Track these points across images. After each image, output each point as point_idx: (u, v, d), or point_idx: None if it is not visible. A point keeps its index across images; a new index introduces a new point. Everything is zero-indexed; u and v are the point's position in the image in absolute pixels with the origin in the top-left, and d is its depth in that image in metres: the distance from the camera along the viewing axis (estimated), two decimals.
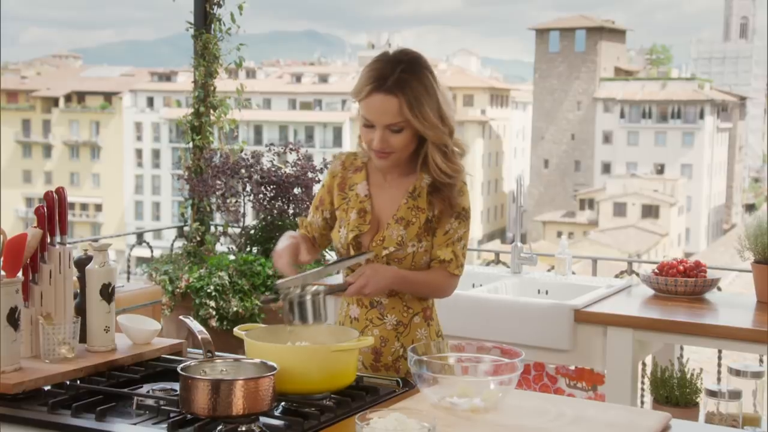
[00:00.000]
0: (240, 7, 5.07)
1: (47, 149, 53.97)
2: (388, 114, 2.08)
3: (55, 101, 53.90)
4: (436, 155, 2.14)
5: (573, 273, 3.76)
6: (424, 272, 2.20)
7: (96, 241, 2.10)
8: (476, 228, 48.01)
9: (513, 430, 1.70)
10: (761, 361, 3.67)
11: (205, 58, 5.02)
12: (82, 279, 2.14)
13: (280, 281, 2.03)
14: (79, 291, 2.17)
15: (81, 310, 2.11)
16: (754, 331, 2.93)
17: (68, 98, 53.91)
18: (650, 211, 44.21)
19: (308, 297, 2.00)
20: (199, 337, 1.93)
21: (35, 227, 2.04)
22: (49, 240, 2.07)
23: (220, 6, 5.07)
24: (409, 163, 2.20)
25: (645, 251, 37.49)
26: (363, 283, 2.08)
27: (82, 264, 2.14)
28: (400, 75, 2.07)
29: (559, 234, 41.97)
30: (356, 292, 2.09)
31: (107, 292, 2.10)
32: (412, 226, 2.18)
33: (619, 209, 44.58)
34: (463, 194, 2.20)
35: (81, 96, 53.64)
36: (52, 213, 2.07)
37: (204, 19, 5.05)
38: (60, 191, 2.10)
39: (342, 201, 2.26)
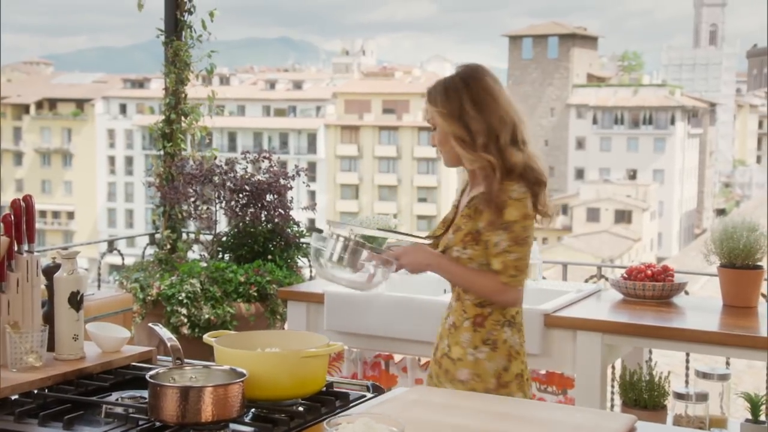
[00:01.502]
0: (211, 14, 5.05)
1: (18, 157, 53.41)
2: (425, 112, 2.46)
3: (26, 108, 53.36)
4: (456, 145, 2.35)
5: (543, 278, 3.79)
6: (472, 270, 2.36)
7: (66, 248, 2.08)
8: None
9: None
10: (728, 363, 3.71)
11: (176, 65, 5.01)
12: (50, 287, 2.13)
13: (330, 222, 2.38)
14: (47, 299, 2.16)
15: (49, 319, 2.10)
16: (720, 334, 2.97)
17: (39, 105, 53.39)
18: (623, 217, 44.58)
19: (350, 243, 2.28)
20: (168, 344, 1.93)
21: (2, 235, 2.03)
22: (16, 248, 2.06)
23: (190, 13, 5.05)
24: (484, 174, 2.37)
25: (618, 256, 37.79)
26: (399, 253, 2.37)
27: (50, 272, 2.13)
28: (435, 82, 2.44)
29: (534, 240, 42.06)
30: (392, 257, 2.34)
31: (76, 300, 2.09)
32: (459, 232, 2.38)
33: (593, 215, 44.92)
34: (509, 206, 2.30)
35: (52, 103, 53.15)
36: (20, 221, 2.06)
37: (175, 26, 5.03)
38: (27, 199, 2.09)
39: None
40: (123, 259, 5.18)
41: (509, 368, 2.39)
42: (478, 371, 2.37)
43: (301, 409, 1.86)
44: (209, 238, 4.99)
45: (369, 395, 2.01)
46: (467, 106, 2.34)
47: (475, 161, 2.33)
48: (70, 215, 52.52)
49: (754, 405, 3.00)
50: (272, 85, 53.28)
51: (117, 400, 1.91)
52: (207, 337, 2.00)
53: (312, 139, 50.17)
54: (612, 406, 3.86)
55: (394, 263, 2.37)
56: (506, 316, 2.41)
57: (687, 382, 3.87)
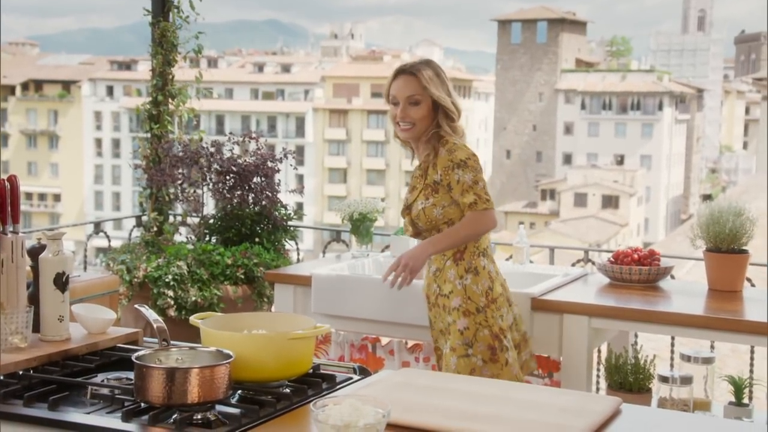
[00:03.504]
0: None
1: (4, 138, 52.99)
2: (408, 88, 2.82)
3: (11, 89, 52.90)
4: (443, 120, 2.82)
5: (531, 262, 3.80)
6: (452, 226, 2.80)
7: (51, 230, 2.08)
8: None
9: (468, 415, 1.72)
10: (712, 347, 3.74)
11: (163, 46, 4.96)
12: (35, 268, 2.12)
13: None
14: (32, 280, 2.15)
15: (34, 300, 2.09)
16: (705, 318, 2.99)
17: (25, 86, 52.96)
18: (610, 202, 44.70)
19: None
20: (155, 325, 1.93)
21: None
22: (1, 229, 2.04)
23: None
24: (426, 144, 2.88)
25: (605, 241, 37.92)
26: (402, 267, 2.82)
27: (35, 253, 2.12)
28: (417, 64, 2.87)
29: (522, 224, 42.20)
30: (404, 279, 2.83)
31: (61, 281, 2.08)
32: (416, 190, 2.88)
33: (580, 199, 45.02)
34: (457, 150, 2.78)
35: (38, 84, 52.71)
36: (4, 201, 2.04)
37: (162, 6, 4.98)
38: (12, 179, 2.07)
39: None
40: (109, 241, 5.16)
41: (493, 287, 2.85)
42: (468, 294, 2.82)
43: (287, 390, 1.86)
44: (196, 220, 4.97)
45: (355, 377, 2.01)
46: (450, 88, 2.90)
47: (457, 132, 2.91)
48: (57, 197, 52.23)
49: (738, 388, 3.02)
50: (260, 68, 52.99)
51: (103, 381, 1.91)
52: (193, 319, 1.99)
53: (300, 122, 49.98)
54: (597, 389, 3.89)
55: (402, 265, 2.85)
56: (480, 247, 2.85)
57: (672, 365, 3.90)
